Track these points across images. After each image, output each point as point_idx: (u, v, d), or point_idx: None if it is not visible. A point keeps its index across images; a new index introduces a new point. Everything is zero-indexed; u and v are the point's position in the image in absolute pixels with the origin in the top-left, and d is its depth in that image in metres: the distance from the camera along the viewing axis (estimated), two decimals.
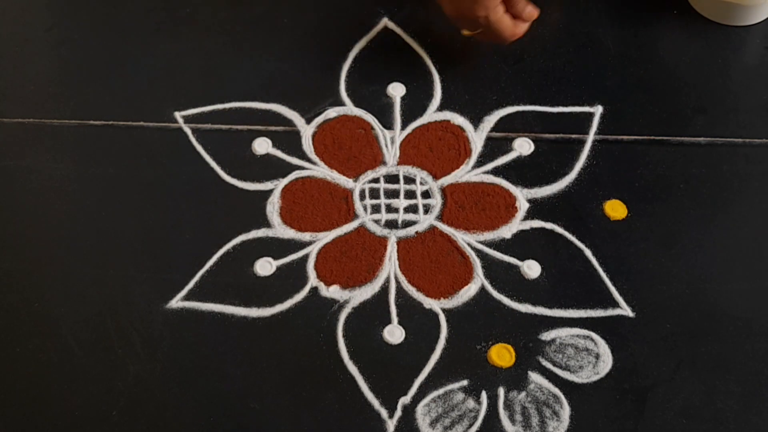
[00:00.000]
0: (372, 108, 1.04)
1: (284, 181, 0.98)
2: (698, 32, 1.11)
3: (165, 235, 0.95)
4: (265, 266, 0.92)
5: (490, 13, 0.97)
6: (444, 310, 0.90)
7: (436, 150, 1.00)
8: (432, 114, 1.04)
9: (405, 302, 0.90)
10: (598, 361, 0.86)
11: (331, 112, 1.04)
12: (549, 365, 0.86)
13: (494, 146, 1.01)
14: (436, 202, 0.97)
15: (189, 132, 1.02)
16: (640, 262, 0.93)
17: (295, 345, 0.87)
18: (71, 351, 0.87)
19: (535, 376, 0.86)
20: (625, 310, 0.89)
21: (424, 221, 0.96)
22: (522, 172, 0.99)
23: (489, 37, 1.01)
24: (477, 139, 1.02)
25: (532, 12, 1.01)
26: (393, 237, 0.94)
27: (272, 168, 0.99)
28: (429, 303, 0.90)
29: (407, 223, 0.95)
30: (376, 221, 0.96)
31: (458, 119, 1.03)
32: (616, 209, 0.96)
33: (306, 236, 0.95)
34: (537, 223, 0.95)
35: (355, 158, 1.00)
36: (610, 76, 1.07)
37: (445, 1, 1.00)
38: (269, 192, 0.98)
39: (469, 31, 1.03)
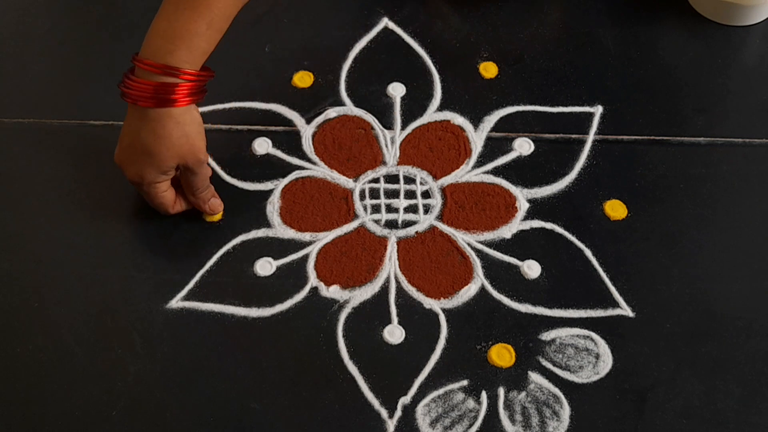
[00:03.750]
0: (372, 108, 1.04)
1: (284, 181, 0.98)
2: (698, 32, 1.11)
3: (165, 235, 0.95)
4: (265, 266, 0.92)
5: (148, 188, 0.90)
6: (444, 310, 0.90)
7: (436, 150, 1.00)
8: (432, 114, 1.04)
9: (405, 302, 0.90)
10: (598, 361, 0.86)
11: (331, 112, 1.04)
12: (549, 365, 0.86)
13: (494, 146, 1.01)
14: (436, 202, 0.97)
15: None
16: (640, 262, 0.93)
17: (295, 345, 0.87)
18: (71, 351, 0.87)
19: (535, 376, 0.86)
20: (625, 310, 0.89)
21: (424, 221, 0.96)
22: (522, 172, 0.99)
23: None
24: (477, 139, 1.01)
25: (215, 206, 0.94)
26: (393, 237, 0.94)
27: (272, 168, 0.99)
28: (429, 303, 0.90)
29: (407, 223, 0.95)
30: (376, 221, 0.96)
31: (458, 119, 1.03)
32: (616, 209, 0.96)
33: (306, 236, 0.95)
34: (537, 223, 0.95)
35: (355, 158, 1.00)
36: (610, 76, 1.07)
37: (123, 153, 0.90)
38: (269, 192, 0.98)
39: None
